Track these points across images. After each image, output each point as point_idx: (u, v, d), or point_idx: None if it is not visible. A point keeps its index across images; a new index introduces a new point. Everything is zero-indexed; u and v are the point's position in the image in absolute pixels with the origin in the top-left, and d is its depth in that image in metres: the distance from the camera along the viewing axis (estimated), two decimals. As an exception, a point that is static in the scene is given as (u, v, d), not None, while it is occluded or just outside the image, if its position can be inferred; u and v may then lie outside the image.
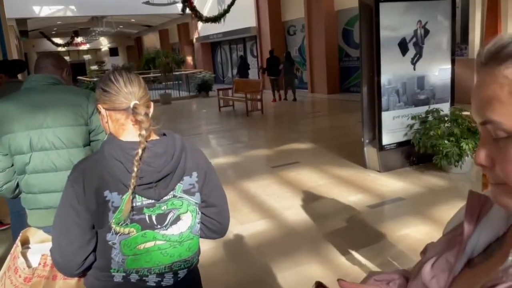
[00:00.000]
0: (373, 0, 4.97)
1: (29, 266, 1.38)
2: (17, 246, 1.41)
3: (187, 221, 1.32)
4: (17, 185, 2.03)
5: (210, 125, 10.75)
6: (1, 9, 9.69)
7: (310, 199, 4.65)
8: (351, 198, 4.59)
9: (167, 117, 12.79)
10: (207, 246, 3.65)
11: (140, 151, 1.17)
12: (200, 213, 1.37)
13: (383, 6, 5.00)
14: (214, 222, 1.45)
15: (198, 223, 1.37)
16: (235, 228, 4.02)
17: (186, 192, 1.32)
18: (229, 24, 18.65)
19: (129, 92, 1.25)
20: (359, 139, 5.70)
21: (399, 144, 5.36)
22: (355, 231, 3.80)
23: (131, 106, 1.24)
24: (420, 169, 5.34)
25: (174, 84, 18.26)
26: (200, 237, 1.44)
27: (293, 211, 4.35)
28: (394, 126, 5.30)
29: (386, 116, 5.22)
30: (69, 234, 1.24)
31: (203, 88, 17.06)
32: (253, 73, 18.46)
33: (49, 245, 1.40)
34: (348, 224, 3.95)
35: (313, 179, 5.35)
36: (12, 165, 1.98)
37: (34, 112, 1.94)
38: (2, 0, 9.74)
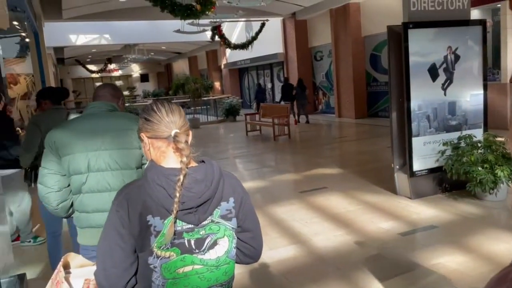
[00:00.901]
0: (401, 27, 5.00)
1: None
2: (60, 272, 1.45)
3: (224, 246, 1.35)
4: (71, 204, 2.13)
5: (238, 149, 10.84)
6: (41, 39, 10.24)
7: (339, 225, 4.59)
8: (382, 225, 4.50)
9: (196, 141, 12.76)
10: (236, 271, 3.64)
11: (181, 177, 1.23)
12: (236, 238, 1.40)
13: (412, 32, 5.01)
14: (248, 247, 1.47)
15: (235, 248, 1.40)
16: (264, 253, 3.98)
17: (223, 217, 1.35)
18: (257, 50, 19.01)
19: (171, 121, 1.31)
20: (388, 165, 5.63)
21: (431, 171, 5.26)
22: (386, 259, 3.71)
23: (172, 134, 1.30)
24: (453, 196, 5.20)
25: (203, 109, 18.60)
26: (236, 262, 1.46)
27: (322, 237, 4.30)
28: (425, 152, 5.22)
29: (416, 142, 5.15)
30: (114, 258, 1.28)
31: (231, 113, 17.29)
32: (278, 98, 18.62)
33: (89, 269, 1.45)
34: (379, 252, 3.87)
35: (342, 205, 5.29)
36: (68, 185, 2.09)
37: (93, 136, 2.06)
38: (42, 31, 10.29)
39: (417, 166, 5.18)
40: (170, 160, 1.32)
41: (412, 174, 5.16)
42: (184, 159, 1.25)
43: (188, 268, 1.30)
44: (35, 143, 3.26)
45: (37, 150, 3.29)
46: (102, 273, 1.30)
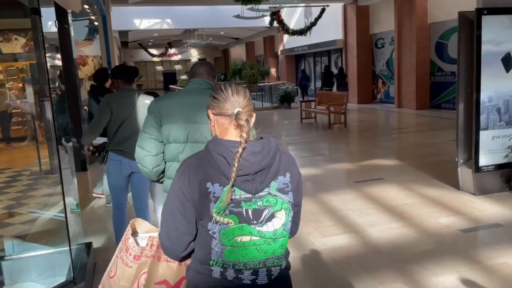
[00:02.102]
0: (474, 13, 4.71)
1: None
2: (128, 231, 1.60)
3: (281, 219, 1.40)
4: (163, 171, 2.28)
5: (291, 136, 10.82)
6: (108, 22, 10.70)
7: (396, 218, 4.48)
8: (442, 220, 4.34)
9: (250, 126, 13.12)
10: (290, 255, 3.67)
11: (240, 149, 1.32)
12: (292, 211, 1.45)
13: (485, 19, 4.71)
14: (292, 223, 1.52)
15: (291, 221, 1.45)
16: (316, 240, 4.00)
17: (280, 190, 1.41)
18: (315, 36, 18.73)
19: (235, 101, 1.41)
20: (450, 159, 5.38)
21: (498, 166, 4.97)
22: (445, 254, 3.58)
23: (235, 112, 1.39)
24: (521, 195, 4.90)
25: (258, 95, 18.69)
26: None
27: (377, 228, 4.22)
28: (493, 147, 4.93)
29: (484, 136, 4.88)
30: (175, 221, 1.39)
31: (286, 100, 17.24)
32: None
33: (154, 234, 1.55)
34: (437, 247, 3.74)
35: (399, 197, 5.15)
36: (163, 152, 2.23)
37: (193, 110, 2.18)
38: (109, 14, 10.75)
39: (483, 161, 4.91)
40: (231, 135, 1.40)
41: (477, 169, 4.90)
42: (244, 134, 1.33)
43: (246, 238, 1.36)
44: (102, 124, 3.38)
45: (101, 131, 3.45)
46: (165, 235, 1.42)
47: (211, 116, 1.45)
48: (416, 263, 3.46)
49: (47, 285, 2.91)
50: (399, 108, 14.63)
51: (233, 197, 1.34)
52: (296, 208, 1.50)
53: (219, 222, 1.34)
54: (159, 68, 41.62)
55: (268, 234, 1.38)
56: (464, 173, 5.08)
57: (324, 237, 4.08)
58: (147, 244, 1.52)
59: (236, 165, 1.31)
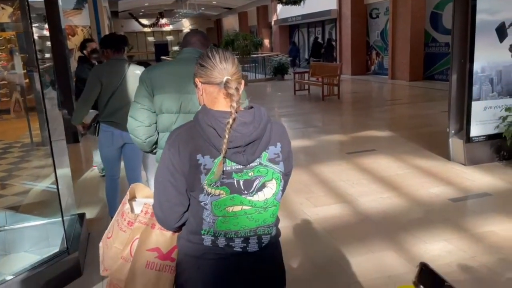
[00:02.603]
0: (470, -19, 4.63)
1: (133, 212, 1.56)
2: (126, 195, 1.61)
3: (272, 189, 1.40)
4: (155, 141, 2.27)
5: (285, 108, 10.78)
6: (97, -9, 10.41)
7: (387, 188, 4.53)
8: (432, 190, 4.40)
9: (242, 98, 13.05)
10: (281, 224, 3.71)
11: (230, 120, 1.28)
12: (283, 181, 1.44)
13: (481, -13, 4.64)
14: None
15: (281, 191, 1.45)
16: (308, 210, 4.05)
17: (271, 161, 1.40)
18: (309, 6, 18.39)
19: (223, 68, 1.36)
20: (442, 130, 5.41)
21: (489, 137, 5.01)
22: (434, 223, 3.65)
23: (224, 80, 1.35)
24: (510, 165, 4.96)
25: (251, 67, 18.49)
26: None
27: (369, 198, 4.28)
28: (485, 117, 4.96)
29: (476, 106, 4.89)
30: (166, 193, 1.39)
31: (279, 71, 17.08)
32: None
33: (150, 201, 1.56)
34: (427, 216, 3.81)
35: (391, 168, 5.19)
36: (155, 122, 2.21)
37: (185, 80, 2.12)
38: (98, -17, 10.45)
39: (474, 131, 4.95)
40: (221, 105, 1.37)
41: (468, 139, 4.94)
42: (234, 104, 1.30)
43: (237, 208, 1.36)
44: (93, 96, 3.33)
45: (92, 104, 3.39)
46: (158, 205, 1.42)
47: (199, 84, 1.41)
48: (406, 231, 3.52)
49: (41, 255, 2.93)
50: (393, 80, 14.59)
51: (224, 169, 1.33)
52: (286, 177, 1.50)
53: (210, 193, 1.34)
54: (151, 39, 40.88)
55: (259, 204, 1.39)
56: (455, 144, 5.12)
57: (316, 207, 4.12)
58: (141, 211, 1.54)
59: (227, 136, 1.28)
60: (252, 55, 18.69)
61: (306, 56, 22.17)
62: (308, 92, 12.72)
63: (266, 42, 26.19)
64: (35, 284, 2.77)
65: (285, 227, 3.70)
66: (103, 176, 5.02)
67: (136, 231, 1.50)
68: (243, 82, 1.43)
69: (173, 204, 1.39)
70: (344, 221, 3.82)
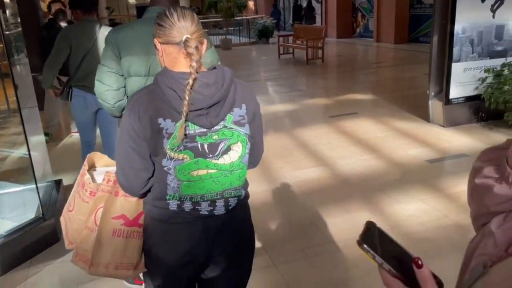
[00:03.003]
0: None
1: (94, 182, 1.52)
2: (84, 166, 1.54)
3: (238, 151, 1.37)
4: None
5: (269, 72, 10.66)
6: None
7: (367, 150, 4.57)
8: (410, 151, 4.45)
9: (227, 62, 12.82)
10: (259, 188, 3.75)
11: (190, 81, 1.23)
12: (249, 143, 1.41)
13: None
14: (251, 155, 1.50)
15: (248, 153, 1.42)
16: (288, 173, 4.08)
17: (236, 123, 1.36)
18: (294, -34, 17.90)
19: (182, 27, 1.30)
20: (424, 92, 5.42)
21: (468, 99, 5.04)
22: (410, 184, 3.71)
23: (183, 39, 1.29)
24: (488, 126, 5.02)
25: (235, 30, 18.10)
26: None
27: (348, 160, 4.31)
28: (464, 79, 4.96)
29: (456, 68, 4.89)
30: (129, 159, 1.34)
31: (264, 35, 16.77)
32: (317, 20, 17.86)
33: (111, 169, 1.51)
34: (404, 177, 3.86)
35: (371, 130, 5.22)
36: (124, 86, 2.13)
37: (153, 41, 2.06)
38: None
39: (454, 93, 4.97)
40: (182, 66, 1.31)
41: (447, 101, 4.97)
42: (194, 63, 1.24)
43: (202, 172, 1.33)
44: (60, 59, 3.22)
45: (60, 67, 3.29)
46: (121, 172, 1.38)
47: (158, 45, 1.34)
48: (382, 192, 3.58)
49: (18, 222, 2.91)
50: (378, 43, 14.46)
51: (187, 132, 1.29)
52: (253, 140, 1.47)
53: (173, 158, 1.30)
54: (132, 1, 39.55)
55: (225, 167, 1.36)
56: (435, 106, 5.15)
57: (296, 170, 4.15)
58: (103, 180, 1.49)
59: (187, 98, 1.23)
60: (236, 18, 18.24)
61: (290, 20, 21.81)
62: (293, 56, 12.56)
63: (251, 4, 25.54)
64: (12, 250, 2.77)
65: (264, 190, 3.72)
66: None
67: (99, 200, 1.47)
68: (205, 41, 1.36)
69: (137, 170, 1.35)
70: (323, 184, 3.86)
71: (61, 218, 1.62)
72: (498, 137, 4.67)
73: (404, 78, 8.48)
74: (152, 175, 1.38)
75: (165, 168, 1.32)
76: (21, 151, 3.94)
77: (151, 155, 1.34)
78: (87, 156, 1.60)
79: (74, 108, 3.41)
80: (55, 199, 3.26)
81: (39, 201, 3.03)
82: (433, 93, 5.13)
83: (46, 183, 3.43)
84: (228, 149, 1.35)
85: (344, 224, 3.13)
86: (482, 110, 5.05)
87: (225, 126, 1.34)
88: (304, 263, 2.71)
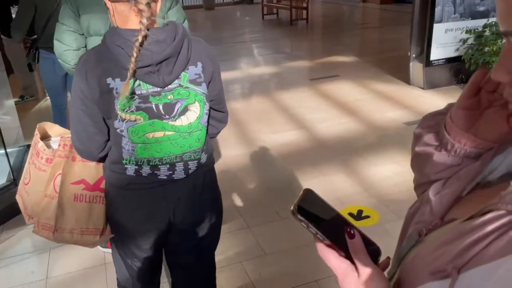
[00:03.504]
0: None
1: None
2: (36, 135, 1.48)
3: (196, 112, 1.33)
4: None
5: (253, 34, 10.42)
6: None
7: (346, 113, 4.55)
8: (389, 114, 4.45)
9: (210, 23, 12.54)
10: (237, 152, 3.74)
11: (140, 37, 1.17)
12: (207, 103, 1.37)
13: None
14: (215, 112, 1.48)
15: (206, 114, 1.38)
16: (266, 136, 4.06)
17: (192, 82, 1.31)
18: None
19: None
20: (406, 54, 5.37)
21: (448, 60, 5.01)
22: (386, 146, 3.73)
23: None
24: (467, 88, 5.02)
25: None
26: (209, 133, 1.46)
27: (326, 124, 4.30)
28: (446, 40, 4.91)
29: (437, 29, 4.82)
30: (82, 123, 1.30)
31: (248, -6, 16.30)
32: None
33: (66, 135, 1.46)
34: (381, 140, 3.88)
35: (352, 93, 5.19)
36: (85, 46, 2.07)
37: None
38: None
39: (434, 55, 4.93)
40: (133, 23, 1.24)
41: (428, 63, 4.93)
42: (144, 20, 1.17)
43: (159, 134, 1.30)
44: (26, 20, 3.11)
45: (27, 28, 3.17)
46: (75, 136, 1.34)
47: (108, 3, 1.27)
48: (358, 155, 3.59)
49: (-13, 188, 2.87)
50: (364, 3, 14.16)
51: (139, 92, 1.24)
52: (214, 101, 1.43)
53: (125, 119, 1.26)
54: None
55: (183, 128, 1.32)
56: (415, 68, 5.12)
57: (274, 134, 4.13)
58: (59, 145, 1.43)
59: (134, 55, 1.17)
60: (219, -23, 17.64)
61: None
62: (277, 16, 12.27)
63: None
64: (-18, 216, 2.74)
65: (241, 154, 3.71)
66: None
67: (57, 167, 1.42)
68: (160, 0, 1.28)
69: (91, 134, 1.31)
70: (300, 147, 3.85)
71: (17, 196, 1.57)
72: (476, 99, 4.68)
73: (388, 40, 8.37)
74: (109, 139, 1.34)
75: (118, 130, 1.28)
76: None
77: (104, 117, 1.29)
78: (38, 125, 1.54)
79: (43, 72, 3.30)
80: (27, 164, 3.20)
81: (9, 166, 2.97)
82: (414, 55, 5.09)
83: (18, 148, 3.36)
84: (185, 109, 1.31)
85: (319, 186, 3.14)
86: (462, 72, 5.04)
87: (180, 85, 1.29)
88: (277, 225, 2.74)
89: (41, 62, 3.24)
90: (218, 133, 1.57)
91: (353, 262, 0.56)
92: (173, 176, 1.36)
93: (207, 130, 1.43)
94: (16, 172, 3.02)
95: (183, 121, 1.31)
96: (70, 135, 1.40)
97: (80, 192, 1.42)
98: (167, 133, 1.30)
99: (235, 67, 6.80)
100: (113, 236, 1.49)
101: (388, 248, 2.40)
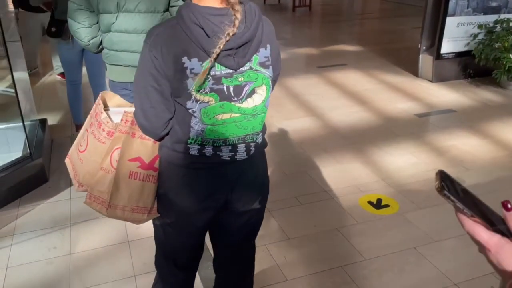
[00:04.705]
0: None
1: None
2: (99, 104, 1.45)
3: (262, 95, 1.30)
4: (101, 42, 2.22)
5: (254, 18, 10.32)
6: None
7: (356, 102, 4.56)
8: (399, 105, 4.47)
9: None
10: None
11: (237, 23, 1.14)
12: (272, 86, 1.35)
13: None
14: None
15: (270, 97, 1.36)
16: (278, 122, 4.05)
17: (261, 65, 1.28)
18: None
19: None
20: (412, 46, 5.39)
21: (458, 54, 5.04)
22: (400, 137, 3.75)
23: None
24: (475, 83, 5.07)
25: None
26: None
27: (338, 112, 4.30)
28: (457, 34, 4.93)
29: (450, 22, 4.83)
30: (150, 99, 1.25)
31: (249, -22, 16.09)
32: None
33: (129, 109, 1.43)
34: (393, 130, 3.90)
35: (360, 83, 5.19)
36: (97, 22, 2.14)
37: None
38: None
39: (445, 48, 4.94)
40: (208, 0, 1.18)
41: (438, 56, 4.95)
42: (237, 6, 1.13)
43: (226, 116, 1.27)
44: None
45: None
46: (141, 113, 1.29)
47: None
48: (372, 144, 3.61)
49: (3, 161, 2.81)
50: (365, -7, 14.11)
51: (213, 73, 1.21)
52: (274, 82, 1.40)
53: (199, 100, 1.22)
54: None
55: (249, 110, 1.29)
56: (425, 60, 5.13)
57: (286, 120, 4.12)
58: (121, 120, 1.41)
59: (224, 40, 1.13)
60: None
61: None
62: (279, 2, 12.15)
63: None
64: (-1, 189, 2.69)
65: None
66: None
67: (116, 141, 1.39)
68: None
69: (159, 111, 1.26)
70: (314, 134, 3.86)
71: (67, 160, 1.55)
72: (485, 94, 4.74)
73: (391, 31, 8.37)
74: (173, 116, 1.30)
75: (190, 111, 1.24)
76: (1, 87, 3.75)
77: (172, 95, 1.25)
78: (100, 94, 1.50)
79: (60, 46, 3.23)
80: (41, 139, 3.15)
81: (25, 140, 2.91)
82: (424, 47, 5.10)
83: (31, 122, 3.29)
84: (252, 92, 1.28)
85: (336, 174, 3.16)
86: (471, 66, 5.08)
87: (251, 68, 1.26)
88: (298, 210, 2.75)
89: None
90: None
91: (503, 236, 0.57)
92: (235, 157, 1.35)
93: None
94: (32, 146, 2.96)
95: (249, 104, 1.29)
96: (132, 111, 1.37)
97: (135, 170, 1.40)
98: (233, 115, 1.28)
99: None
100: (158, 215, 1.48)
101: (411, 237, 2.46)
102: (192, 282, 1.72)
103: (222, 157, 1.33)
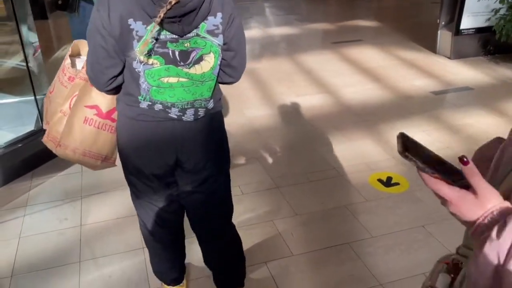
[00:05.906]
0: None
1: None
2: (68, 51, 1.56)
3: (210, 62, 1.35)
4: None
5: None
6: None
7: (370, 79, 4.47)
8: (415, 82, 4.37)
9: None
10: (261, 112, 3.71)
11: None
12: (221, 55, 1.38)
13: None
14: (229, 66, 1.44)
15: (219, 65, 1.39)
16: (290, 98, 4.01)
17: (209, 32, 1.32)
18: None
19: None
20: (430, 22, 5.23)
21: (478, 30, 4.87)
22: (415, 115, 3.68)
23: None
24: (495, 60, 4.92)
25: None
26: (218, 82, 1.47)
27: (351, 89, 4.23)
28: (478, 9, 4.76)
29: (470, -4, 4.66)
30: (97, 55, 1.31)
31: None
32: None
33: None
34: (408, 108, 3.82)
35: (375, 59, 5.08)
36: None
37: None
38: None
39: (465, 24, 4.78)
40: None
41: (457, 32, 4.80)
42: None
43: (173, 80, 1.33)
44: None
45: None
46: (89, 66, 1.37)
47: None
48: (385, 122, 3.56)
49: (16, 134, 2.85)
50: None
51: (158, 37, 1.26)
52: (232, 52, 1.39)
53: (143, 62, 1.28)
54: None
55: (197, 77, 1.35)
56: (444, 36, 4.98)
57: (297, 96, 4.08)
58: (82, 67, 1.50)
59: (167, 7, 1.17)
60: None
61: None
62: (294, -24, 11.88)
63: None
64: (12, 161, 2.74)
65: (266, 114, 3.68)
66: None
67: (76, 87, 1.50)
68: None
69: (104, 67, 1.33)
70: (326, 111, 3.81)
71: (45, 99, 1.68)
72: (504, 71, 4.60)
73: (409, 6, 8.13)
74: (121, 73, 1.35)
75: (136, 70, 1.31)
76: (14, 61, 3.78)
77: (121, 52, 1.30)
78: (73, 42, 1.60)
79: (72, 19, 3.21)
80: (53, 113, 3.17)
81: (38, 113, 2.94)
82: (443, 23, 4.94)
83: (43, 96, 3.31)
84: (200, 58, 1.32)
85: (346, 151, 3.13)
86: (491, 43, 4.91)
87: (197, 35, 1.30)
88: (306, 187, 2.74)
89: (71, 9, 3.15)
90: (232, 82, 1.52)
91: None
92: (182, 117, 1.39)
93: (217, 79, 1.43)
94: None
95: (197, 70, 1.34)
96: None
97: (91, 116, 1.50)
98: (181, 79, 1.33)
99: (251, 26, 6.64)
100: (115, 166, 1.62)
101: (420, 216, 2.43)
102: (181, 258, 1.86)
103: (170, 114, 1.38)
